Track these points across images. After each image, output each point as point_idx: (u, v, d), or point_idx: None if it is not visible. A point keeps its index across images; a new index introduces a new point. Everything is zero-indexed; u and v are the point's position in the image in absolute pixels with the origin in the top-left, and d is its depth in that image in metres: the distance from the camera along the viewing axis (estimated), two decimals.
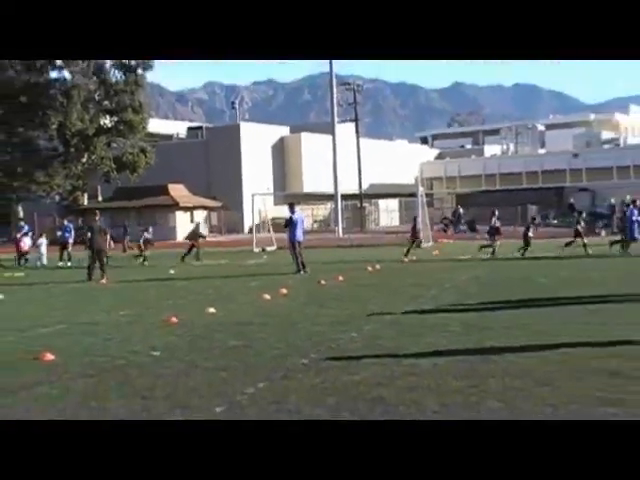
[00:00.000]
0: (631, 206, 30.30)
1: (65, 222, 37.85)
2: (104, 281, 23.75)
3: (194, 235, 34.92)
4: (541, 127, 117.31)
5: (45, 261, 34.44)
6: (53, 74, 63.83)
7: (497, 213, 32.70)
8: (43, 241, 35.88)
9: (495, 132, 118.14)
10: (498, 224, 32.18)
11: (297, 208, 26.73)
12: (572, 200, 63.74)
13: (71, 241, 35.49)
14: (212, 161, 72.44)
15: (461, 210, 63.96)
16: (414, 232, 33.69)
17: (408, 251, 31.49)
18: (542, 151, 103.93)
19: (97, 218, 26.56)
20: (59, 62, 62.24)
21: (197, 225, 38.18)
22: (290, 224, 25.11)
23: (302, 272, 24.09)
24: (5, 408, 8.00)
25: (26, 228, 38.01)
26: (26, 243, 35.69)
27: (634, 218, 29.29)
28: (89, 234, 25.32)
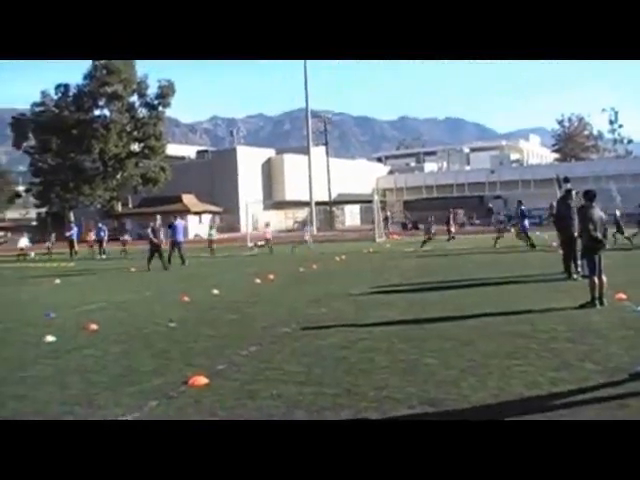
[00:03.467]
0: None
1: (99, 224, 37.34)
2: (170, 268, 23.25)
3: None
4: (466, 150, 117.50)
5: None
6: (97, 112, 66.16)
7: (523, 208, 27.77)
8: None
9: (432, 154, 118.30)
10: (502, 219, 31.69)
11: (178, 218, 26.12)
12: (490, 205, 64.17)
13: (106, 239, 35.00)
14: (215, 176, 72.13)
15: (388, 213, 64.72)
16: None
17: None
18: (467, 168, 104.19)
19: (158, 222, 24.84)
20: (101, 102, 64.87)
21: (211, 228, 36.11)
22: (173, 229, 24.55)
23: (185, 264, 23.90)
24: (62, 365, 8.14)
25: (75, 229, 37.71)
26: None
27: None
28: (152, 233, 23.98)
